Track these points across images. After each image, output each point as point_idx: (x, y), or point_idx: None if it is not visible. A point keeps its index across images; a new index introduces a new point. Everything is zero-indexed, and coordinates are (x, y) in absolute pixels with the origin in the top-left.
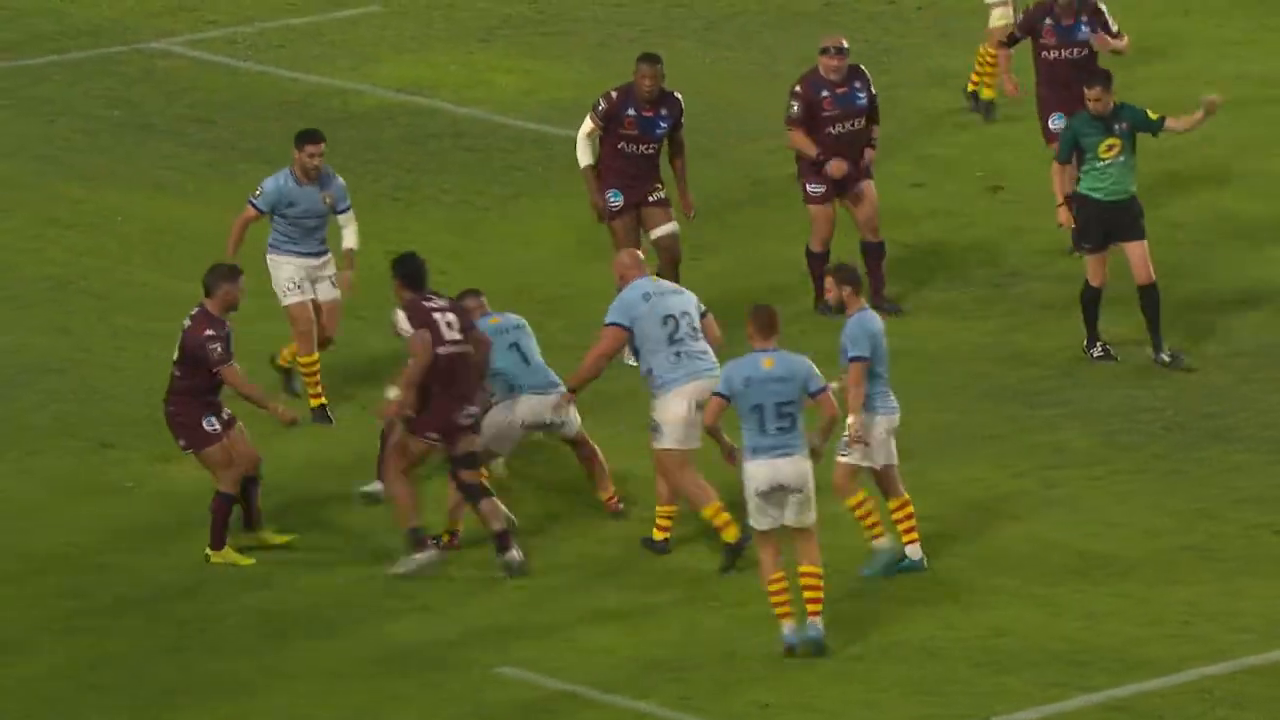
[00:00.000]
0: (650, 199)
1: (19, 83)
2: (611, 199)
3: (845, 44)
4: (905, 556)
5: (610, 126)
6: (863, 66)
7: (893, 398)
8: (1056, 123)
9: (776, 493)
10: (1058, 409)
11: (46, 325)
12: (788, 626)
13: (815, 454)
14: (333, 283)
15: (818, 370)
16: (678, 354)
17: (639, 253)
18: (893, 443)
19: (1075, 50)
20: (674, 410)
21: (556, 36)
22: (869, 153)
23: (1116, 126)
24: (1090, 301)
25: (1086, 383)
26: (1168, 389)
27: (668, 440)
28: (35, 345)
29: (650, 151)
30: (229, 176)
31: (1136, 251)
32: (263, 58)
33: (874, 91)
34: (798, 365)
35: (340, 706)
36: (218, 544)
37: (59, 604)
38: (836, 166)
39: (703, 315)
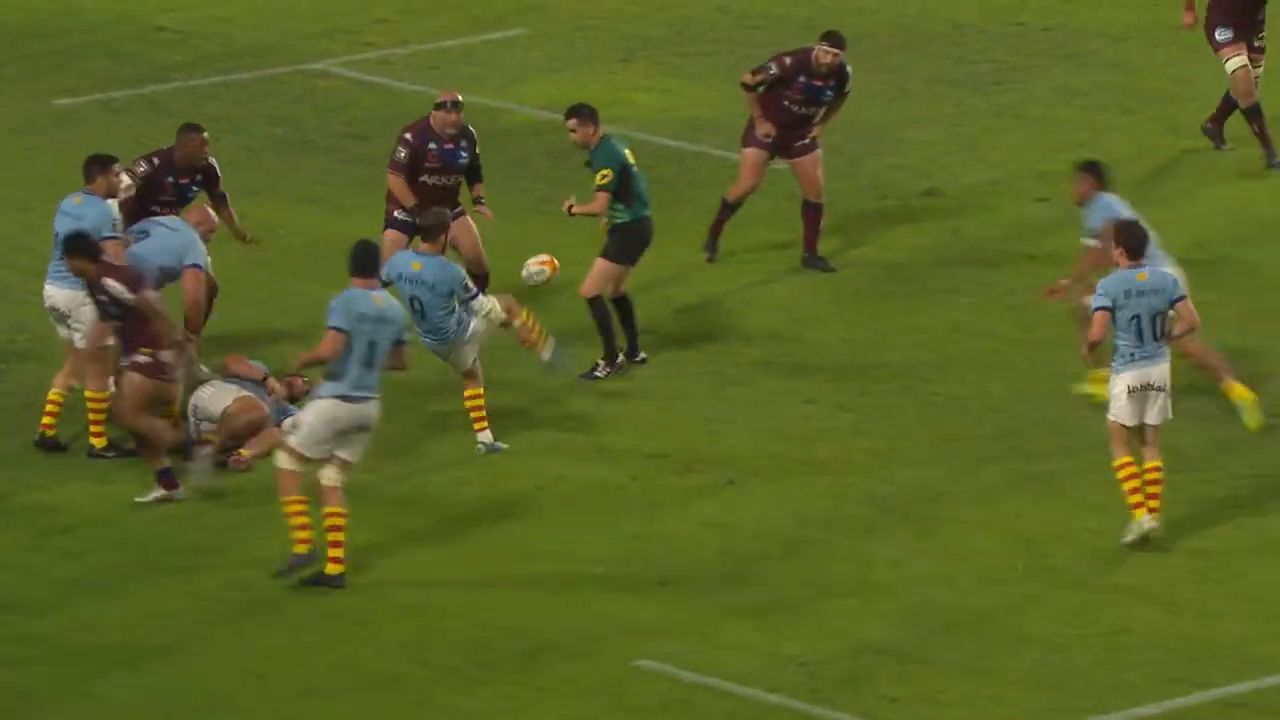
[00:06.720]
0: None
1: (186, 102)
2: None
3: (460, 99)
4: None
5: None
6: (471, 128)
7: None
8: (1223, 34)
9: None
10: (1175, 415)
11: (213, 332)
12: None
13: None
14: None
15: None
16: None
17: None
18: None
19: None
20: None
21: (694, 57)
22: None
23: None
24: None
25: (1198, 391)
26: None
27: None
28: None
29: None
30: (384, 191)
31: None
32: (417, 78)
33: (476, 153)
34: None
35: (483, 697)
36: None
37: (228, 595)
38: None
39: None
